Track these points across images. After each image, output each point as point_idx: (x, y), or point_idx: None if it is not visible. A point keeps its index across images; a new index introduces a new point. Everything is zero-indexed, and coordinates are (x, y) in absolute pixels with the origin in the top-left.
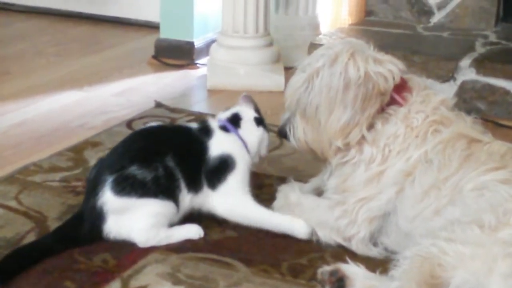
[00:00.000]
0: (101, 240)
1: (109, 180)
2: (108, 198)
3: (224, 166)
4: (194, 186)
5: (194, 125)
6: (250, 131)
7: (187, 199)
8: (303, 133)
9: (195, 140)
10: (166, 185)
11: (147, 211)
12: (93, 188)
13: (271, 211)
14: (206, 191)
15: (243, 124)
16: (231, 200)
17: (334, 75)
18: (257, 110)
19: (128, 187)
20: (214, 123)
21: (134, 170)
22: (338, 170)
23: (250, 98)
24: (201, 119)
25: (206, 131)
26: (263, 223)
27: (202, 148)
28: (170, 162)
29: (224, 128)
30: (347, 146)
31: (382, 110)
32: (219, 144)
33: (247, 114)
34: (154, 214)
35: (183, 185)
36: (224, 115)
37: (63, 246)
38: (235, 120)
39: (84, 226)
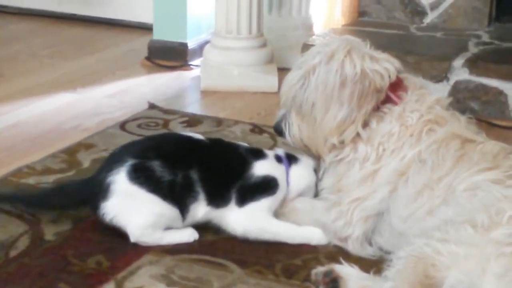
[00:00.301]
0: (95, 235)
1: (129, 163)
2: (120, 178)
3: (265, 186)
4: (218, 201)
5: (245, 146)
6: (303, 175)
7: (203, 211)
8: (298, 130)
9: (237, 157)
10: (178, 193)
11: (151, 208)
12: (110, 163)
13: (289, 225)
14: (229, 207)
15: (298, 165)
16: (255, 218)
17: (330, 72)
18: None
19: (143, 177)
20: (269, 151)
21: (156, 165)
22: (332, 168)
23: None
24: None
25: (257, 153)
26: (282, 238)
27: (244, 166)
28: (194, 175)
29: (277, 158)
30: (342, 144)
31: (377, 108)
32: (267, 167)
33: (308, 162)
34: (156, 214)
35: (201, 197)
36: (283, 151)
37: (59, 200)
38: (291, 158)
39: (86, 192)
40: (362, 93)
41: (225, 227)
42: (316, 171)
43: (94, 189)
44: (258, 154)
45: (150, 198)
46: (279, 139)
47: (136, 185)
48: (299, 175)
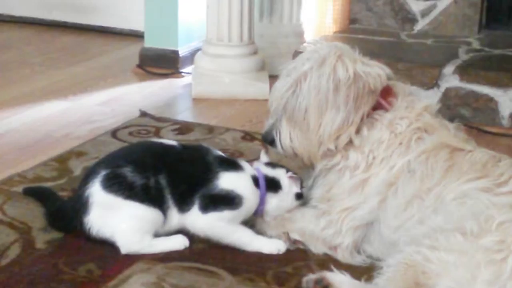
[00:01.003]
0: (86, 244)
1: (102, 174)
2: (95, 191)
3: (228, 200)
4: (183, 206)
5: (221, 155)
6: (287, 201)
7: (176, 218)
8: (289, 138)
9: (203, 164)
10: (154, 196)
11: (132, 213)
12: (86, 177)
13: (253, 235)
14: (194, 213)
15: (280, 194)
16: (218, 225)
17: (322, 76)
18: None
19: (117, 185)
20: (248, 168)
21: (126, 171)
22: (322, 177)
23: (298, 179)
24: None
25: (229, 164)
26: (240, 246)
27: (208, 174)
28: (163, 180)
29: (255, 179)
30: (335, 150)
31: (368, 115)
32: (234, 182)
33: (291, 188)
34: (139, 217)
35: (171, 203)
36: (266, 170)
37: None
38: (271, 184)
39: (70, 212)
40: (357, 95)
41: (190, 230)
42: (300, 193)
43: (76, 206)
44: (231, 166)
45: (128, 203)
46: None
47: (112, 194)
48: (277, 206)
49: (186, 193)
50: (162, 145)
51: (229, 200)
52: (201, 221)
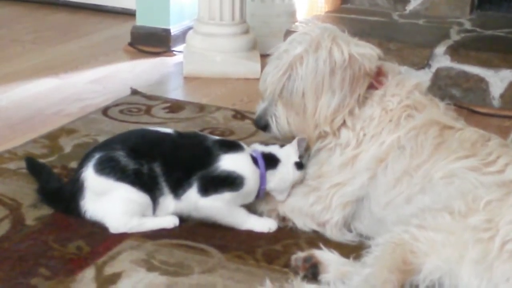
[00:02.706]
0: (77, 217)
1: (95, 157)
2: (88, 174)
3: (229, 181)
4: (179, 191)
5: (214, 138)
6: (288, 173)
7: (173, 204)
8: (286, 122)
9: (202, 149)
10: (145, 181)
11: (121, 196)
12: (81, 162)
13: (247, 215)
14: (192, 195)
15: (280, 167)
16: (218, 205)
17: (319, 59)
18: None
19: (109, 168)
20: (247, 149)
21: (120, 155)
22: (315, 157)
23: (304, 142)
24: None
25: (230, 146)
26: (235, 226)
27: (209, 157)
28: (157, 168)
29: (255, 161)
30: (331, 131)
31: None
32: (236, 163)
33: (289, 158)
34: (128, 200)
35: (166, 191)
36: (263, 149)
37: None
38: (269, 160)
39: (68, 196)
40: (353, 78)
41: (188, 213)
42: (300, 163)
43: (72, 190)
44: (231, 147)
45: (118, 185)
46: None
47: (103, 176)
48: (279, 181)
49: (182, 178)
50: (158, 134)
51: (230, 182)
52: (201, 203)
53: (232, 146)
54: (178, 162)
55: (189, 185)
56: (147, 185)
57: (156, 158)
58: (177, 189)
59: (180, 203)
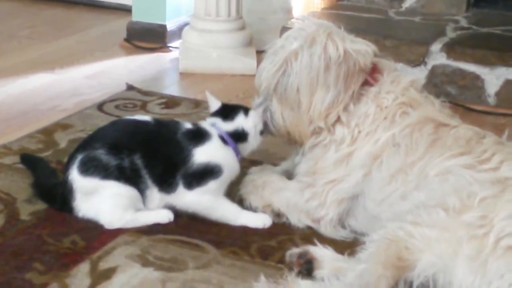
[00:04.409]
0: (71, 216)
1: (78, 159)
2: (75, 176)
3: (208, 172)
4: (166, 187)
5: (187, 125)
6: (256, 140)
7: (157, 197)
8: (281, 117)
9: (176, 143)
10: (129, 175)
11: (109, 192)
12: (67, 163)
13: (239, 210)
14: (180, 191)
15: (250, 139)
16: (205, 199)
17: (314, 55)
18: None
19: (92, 168)
20: (211, 129)
21: (100, 153)
22: (309, 152)
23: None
24: (198, 124)
25: (199, 136)
26: (226, 220)
27: (182, 153)
28: (138, 161)
29: (222, 139)
30: (326, 127)
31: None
32: (208, 153)
33: (255, 129)
34: (116, 195)
35: (150, 183)
36: (227, 127)
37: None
38: (239, 136)
39: (59, 196)
40: (347, 74)
41: (178, 208)
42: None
43: (64, 192)
44: (198, 138)
45: (104, 183)
46: None
47: (88, 177)
48: (250, 148)
49: (166, 174)
50: (136, 124)
51: (209, 172)
52: (188, 197)
53: (200, 136)
54: (157, 156)
55: (176, 184)
56: (132, 178)
57: (136, 150)
58: (163, 184)
59: (167, 197)
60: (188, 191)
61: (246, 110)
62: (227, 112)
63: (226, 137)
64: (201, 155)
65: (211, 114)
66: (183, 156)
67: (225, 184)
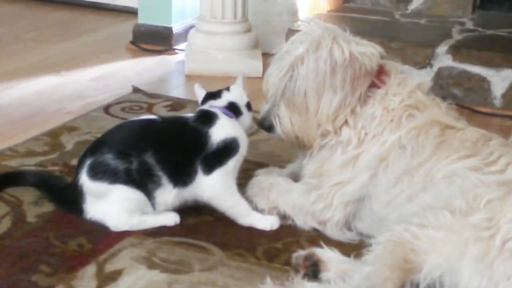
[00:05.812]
0: (77, 218)
1: (87, 163)
2: (84, 180)
3: (228, 148)
4: (183, 179)
5: (191, 114)
6: (247, 116)
7: (172, 194)
8: (289, 122)
9: (191, 132)
10: (137, 177)
11: (118, 196)
12: (77, 167)
13: (250, 209)
14: (198, 179)
15: (243, 112)
16: (224, 180)
17: (319, 59)
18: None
19: (101, 173)
20: (214, 109)
21: (108, 158)
22: (316, 155)
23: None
24: (200, 109)
25: (208, 119)
26: (236, 212)
27: (200, 138)
28: (150, 159)
29: (226, 113)
30: (333, 129)
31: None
32: (223, 130)
33: (242, 100)
34: (123, 198)
35: (164, 181)
36: (219, 103)
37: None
38: (234, 108)
39: (69, 198)
40: (354, 77)
41: (196, 198)
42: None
43: (74, 195)
44: (210, 120)
45: (113, 187)
46: None
47: (97, 181)
48: (245, 123)
49: (182, 165)
50: (143, 123)
51: (230, 148)
52: (207, 181)
53: (210, 118)
54: (171, 149)
55: (195, 172)
56: (141, 181)
57: (147, 148)
58: (179, 177)
59: (184, 191)
60: (207, 176)
61: (227, 88)
62: (213, 94)
63: (226, 112)
64: (218, 133)
65: (200, 102)
66: (201, 141)
67: (239, 163)
